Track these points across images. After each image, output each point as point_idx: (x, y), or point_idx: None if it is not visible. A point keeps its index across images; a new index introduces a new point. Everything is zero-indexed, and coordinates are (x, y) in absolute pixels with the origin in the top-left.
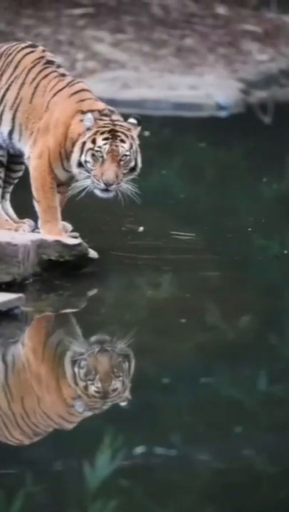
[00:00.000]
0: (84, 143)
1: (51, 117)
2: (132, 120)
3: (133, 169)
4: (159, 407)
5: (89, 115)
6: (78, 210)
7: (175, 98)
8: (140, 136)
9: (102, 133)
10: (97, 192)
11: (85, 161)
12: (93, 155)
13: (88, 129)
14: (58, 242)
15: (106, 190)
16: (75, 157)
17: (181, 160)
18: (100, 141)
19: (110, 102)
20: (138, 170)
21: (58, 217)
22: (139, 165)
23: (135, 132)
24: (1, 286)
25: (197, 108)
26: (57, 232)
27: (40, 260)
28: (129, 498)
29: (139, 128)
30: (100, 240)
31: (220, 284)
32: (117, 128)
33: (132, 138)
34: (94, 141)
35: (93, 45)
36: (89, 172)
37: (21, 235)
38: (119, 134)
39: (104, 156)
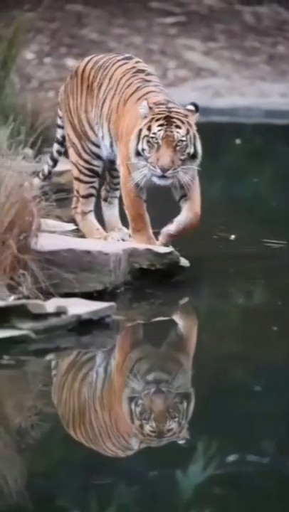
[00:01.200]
0: (140, 130)
1: (124, 125)
2: (189, 107)
3: (194, 156)
4: (250, 415)
5: (144, 103)
6: (169, 217)
7: (267, 105)
8: (232, 143)
9: (158, 120)
10: (155, 179)
11: (142, 149)
12: (149, 142)
13: (145, 116)
14: (149, 250)
15: (163, 176)
16: (132, 146)
17: (273, 168)
18: (154, 128)
19: (203, 110)
20: (199, 157)
21: (147, 225)
22: (200, 152)
23: (193, 118)
24: (93, 295)
25: None
26: (146, 240)
27: (131, 269)
28: (222, 506)
29: (197, 114)
30: (192, 248)
31: None
32: (173, 114)
33: (189, 124)
34: (149, 128)
35: (185, 54)
36: (146, 160)
37: (111, 243)
38: (174, 120)
39: (160, 142)
